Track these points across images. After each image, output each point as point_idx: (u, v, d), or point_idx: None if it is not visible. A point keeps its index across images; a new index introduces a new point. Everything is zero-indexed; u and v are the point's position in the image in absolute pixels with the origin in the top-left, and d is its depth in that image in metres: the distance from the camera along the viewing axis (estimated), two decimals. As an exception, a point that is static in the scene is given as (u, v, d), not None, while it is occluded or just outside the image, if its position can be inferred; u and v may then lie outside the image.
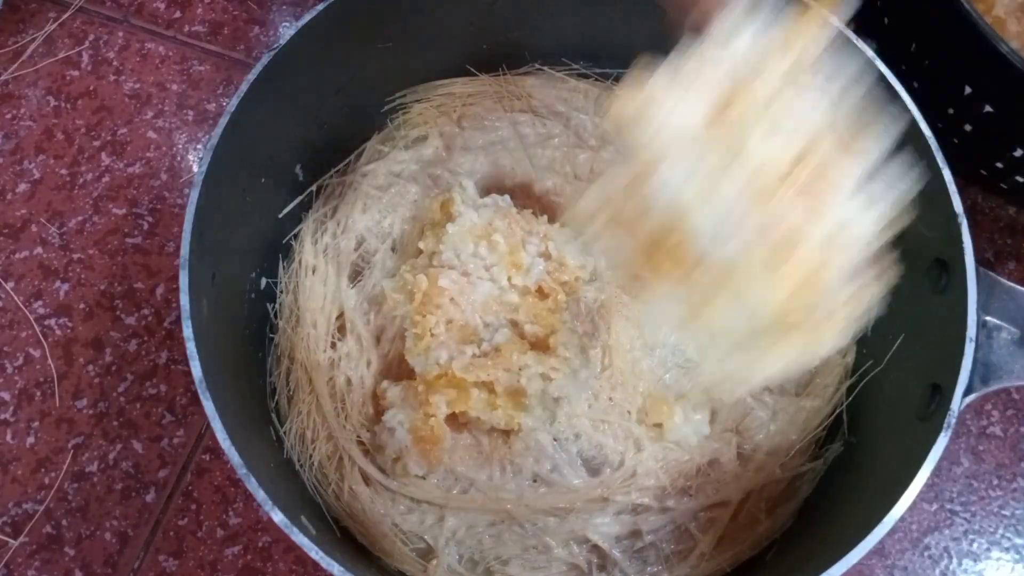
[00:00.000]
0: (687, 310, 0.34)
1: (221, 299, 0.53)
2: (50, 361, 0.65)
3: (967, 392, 0.47)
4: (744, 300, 0.32)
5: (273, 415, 0.57)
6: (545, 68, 0.66)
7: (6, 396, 0.64)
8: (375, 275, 0.61)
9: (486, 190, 0.64)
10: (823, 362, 0.59)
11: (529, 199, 0.65)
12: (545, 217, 0.61)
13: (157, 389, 0.64)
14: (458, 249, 0.57)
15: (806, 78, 0.34)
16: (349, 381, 0.58)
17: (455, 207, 0.59)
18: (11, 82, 0.74)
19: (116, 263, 0.68)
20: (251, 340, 0.58)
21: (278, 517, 0.44)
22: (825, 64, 0.35)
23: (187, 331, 0.47)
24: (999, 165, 0.61)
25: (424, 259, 0.59)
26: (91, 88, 0.74)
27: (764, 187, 0.32)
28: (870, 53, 0.53)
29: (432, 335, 0.55)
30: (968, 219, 0.49)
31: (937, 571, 0.62)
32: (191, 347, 0.46)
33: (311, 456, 0.56)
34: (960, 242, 0.49)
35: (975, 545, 0.62)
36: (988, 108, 0.57)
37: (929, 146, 0.51)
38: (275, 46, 0.52)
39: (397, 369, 0.59)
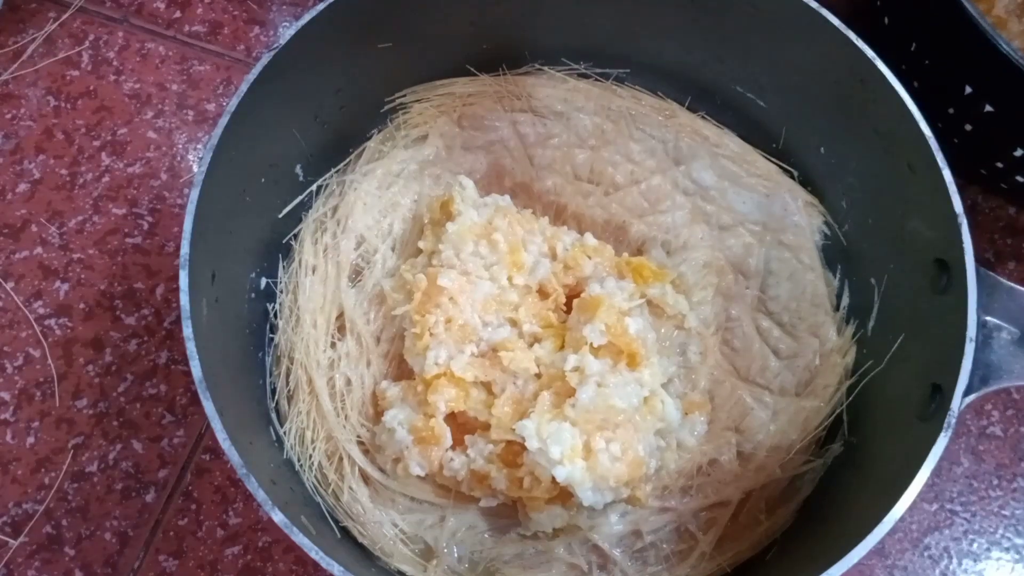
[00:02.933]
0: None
1: (221, 299, 0.53)
2: (50, 361, 0.65)
3: (967, 392, 0.46)
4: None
5: (273, 415, 0.57)
6: (545, 68, 0.66)
7: (6, 396, 0.64)
8: (375, 275, 0.61)
9: (486, 190, 0.64)
10: (823, 362, 0.59)
11: (529, 199, 0.65)
12: (546, 218, 0.61)
13: (157, 389, 0.64)
14: (458, 248, 0.57)
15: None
16: (349, 381, 0.58)
17: (455, 207, 0.59)
18: (11, 82, 0.74)
19: (116, 263, 0.68)
20: (251, 340, 0.58)
21: (278, 517, 0.44)
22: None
23: (187, 331, 0.47)
24: (999, 165, 0.62)
25: (424, 258, 0.59)
26: (91, 88, 0.74)
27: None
28: (870, 53, 0.53)
29: (431, 334, 0.55)
30: (968, 219, 0.49)
31: (937, 571, 0.62)
32: (191, 347, 0.46)
33: (311, 456, 0.56)
34: (960, 242, 0.49)
35: (975, 545, 0.62)
36: (988, 108, 0.57)
37: (929, 146, 0.51)
38: (275, 46, 0.52)
39: (397, 369, 0.59)
